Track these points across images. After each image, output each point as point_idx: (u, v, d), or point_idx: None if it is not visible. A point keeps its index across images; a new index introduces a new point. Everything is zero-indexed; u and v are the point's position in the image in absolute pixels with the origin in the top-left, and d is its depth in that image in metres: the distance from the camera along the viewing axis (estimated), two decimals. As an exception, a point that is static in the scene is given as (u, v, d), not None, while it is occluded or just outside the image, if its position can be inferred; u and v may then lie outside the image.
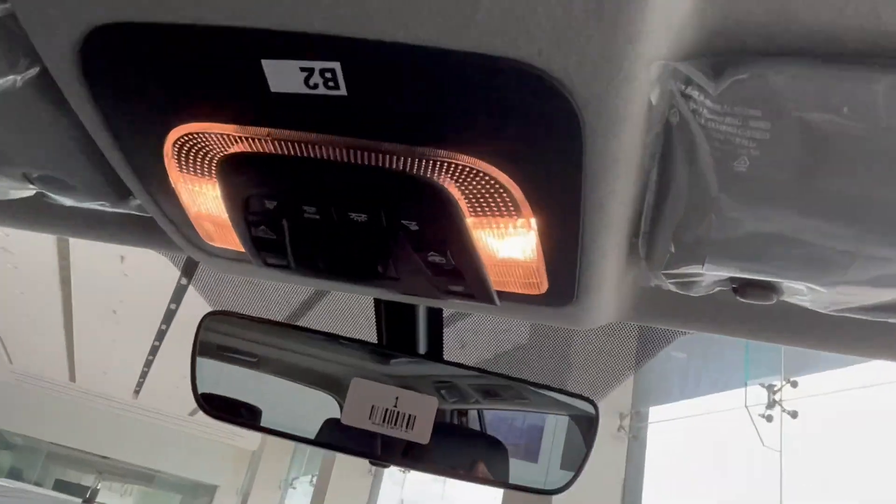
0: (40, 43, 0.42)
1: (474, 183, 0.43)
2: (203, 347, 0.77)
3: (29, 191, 0.62)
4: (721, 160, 0.39)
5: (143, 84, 0.43)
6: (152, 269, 5.55)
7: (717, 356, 4.45)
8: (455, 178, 0.43)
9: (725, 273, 0.48)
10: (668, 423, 4.77)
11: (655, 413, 4.86)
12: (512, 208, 0.45)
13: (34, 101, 0.50)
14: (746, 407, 4.01)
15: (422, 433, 0.68)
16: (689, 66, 0.36)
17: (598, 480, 4.62)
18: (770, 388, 4.05)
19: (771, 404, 4.02)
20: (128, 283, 6.50)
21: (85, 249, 6.00)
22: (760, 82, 0.35)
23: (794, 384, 3.94)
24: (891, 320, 0.48)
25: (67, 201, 0.61)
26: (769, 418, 3.99)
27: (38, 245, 5.96)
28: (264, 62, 0.38)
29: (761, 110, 0.36)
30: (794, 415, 3.87)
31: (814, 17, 0.34)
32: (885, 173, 0.36)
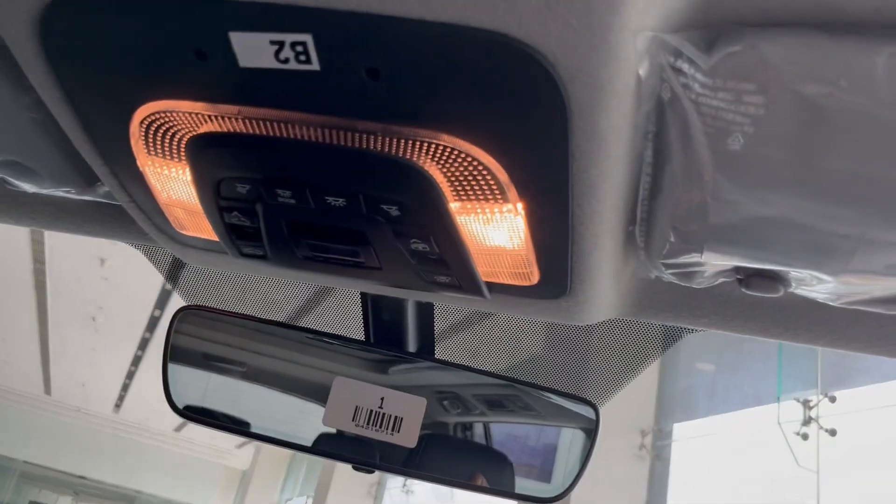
0: None
1: (456, 165, 0.44)
2: (176, 350, 0.79)
3: (-11, 177, 0.63)
4: (714, 138, 0.40)
5: (106, 59, 0.44)
6: (134, 273, 5.59)
7: (747, 368, 4.44)
8: (436, 159, 0.44)
9: (727, 262, 0.49)
10: (693, 441, 4.75)
11: (680, 430, 4.84)
12: (497, 192, 0.46)
13: None
14: (779, 424, 4.00)
15: (408, 436, 0.69)
16: (678, 37, 0.37)
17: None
18: (805, 404, 4.04)
19: (807, 421, 4.01)
20: (108, 288, 6.54)
21: (62, 252, 6.05)
22: (754, 54, 0.36)
23: (833, 399, 3.93)
24: (906, 314, 0.49)
25: (30, 188, 0.63)
26: (805, 436, 3.98)
27: (10, 246, 6.01)
28: (232, 35, 0.39)
29: (755, 84, 0.37)
30: (832, 433, 3.86)
31: None
32: (886, 150, 0.37)
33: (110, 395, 9.64)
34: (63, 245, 5.86)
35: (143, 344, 7.44)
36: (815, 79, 0.36)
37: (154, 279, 5.42)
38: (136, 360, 7.93)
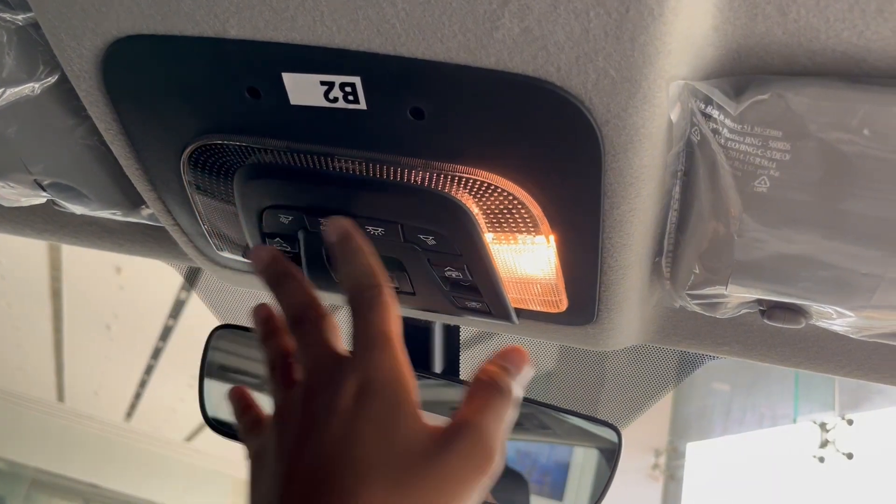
0: (62, 52, 0.46)
1: (492, 198, 0.47)
2: (211, 366, 0.81)
3: (40, 198, 0.66)
4: (742, 180, 0.42)
5: (163, 95, 0.47)
6: (150, 281, 5.63)
7: (763, 389, 4.42)
8: (473, 193, 0.46)
9: (751, 295, 0.51)
10: (707, 461, 4.72)
11: (694, 450, 4.81)
12: (531, 224, 0.48)
13: (51, 109, 0.55)
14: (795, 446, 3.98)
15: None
16: (708, 85, 0.40)
17: (630, 524, 4.59)
18: (822, 426, 4.01)
19: (823, 444, 3.98)
20: (123, 296, 6.59)
21: (78, 260, 6.11)
22: (780, 103, 0.39)
23: (850, 422, 3.90)
24: (925, 347, 0.51)
25: (78, 210, 0.66)
26: (822, 459, 3.95)
27: (28, 254, 6.08)
28: (285, 75, 0.42)
29: (781, 131, 0.39)
30: (849, 456, 3.83)
31: (835, 38, 0.37)
32: None
33: (122, 403, 9.68)
34: (80, 253, 5.92)
35: (156, 353, 7.47)
36: (838, 128, 0.38)
37: (169, 288, 5.46)
38: (149, 369, 7.96)
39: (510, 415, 0.44)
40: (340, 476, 0.39)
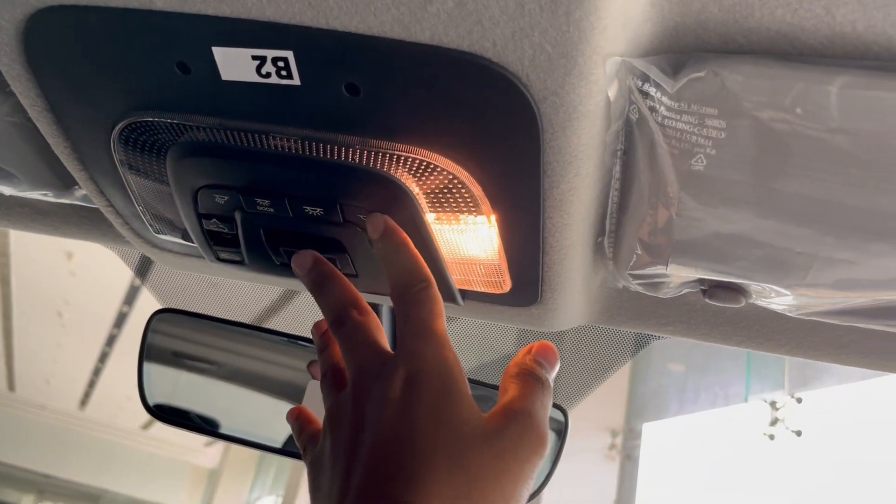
0: None
1: (432, 178, 0.46)
2: (152, 351, 0.79)
3: (-34, 179, 0.63)
4: (679, 159, 0.42)
5: (89, 70, 0.45)
6: (103, 267, 5.52)
7: (716, 369, 4.51)
8: (412, 172, 0.46)
9: (691, 274, 0.51)
10: (663, 440, 4.82)
11: (649, 429, 4.91)
12: (472, 204, 0.48)
13: None
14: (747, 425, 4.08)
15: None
16: (646, 62, 0.39)
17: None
18: (773, 405, 4.12)
19: (773, 422, 4.09)
20: (75, 282, 6.45)
21: (27, 245, 5.95)
22: (716, 80, 0.39)
23: (799, 400, 4.01)
24: (860, 325, 0.52)
25: (7, 191, 0.63)
26: (772, 437, 4.06)
27: (-26, 239, 5.91)
28: (215, 50, 0.41)
29: (717, 109, 0.39)
30: (798, 433, 3.94)
31: (769, 16, 0.37)
32: (838, 175, 0.40)
33: (76, 391, 9.51)
34: (29, 239, 5.77)
35: (111, 340, 7.34)
36: (772, 106, 0.38)
37: (122, 275, 5.36)
38: (103, 357, 7.83)
39: (550, 403, 0.46)
40: (399, 463, 0.39)
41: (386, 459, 0.39)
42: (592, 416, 4.74)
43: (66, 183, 0.61)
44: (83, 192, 0.62)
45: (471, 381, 0.48)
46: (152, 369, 0.79)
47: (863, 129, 0.38)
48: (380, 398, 0.41)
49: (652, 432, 4.89)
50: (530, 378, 0.45)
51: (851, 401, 3.62)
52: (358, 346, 0.46)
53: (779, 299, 0.51)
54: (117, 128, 0.48)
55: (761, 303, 0.54)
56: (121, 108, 0.47)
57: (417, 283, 0.46)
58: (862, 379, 3.42)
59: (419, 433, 0.40)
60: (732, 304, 0.54)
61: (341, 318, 0.47)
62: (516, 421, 0.42)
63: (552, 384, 0.46)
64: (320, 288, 0.49)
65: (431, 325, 0.44)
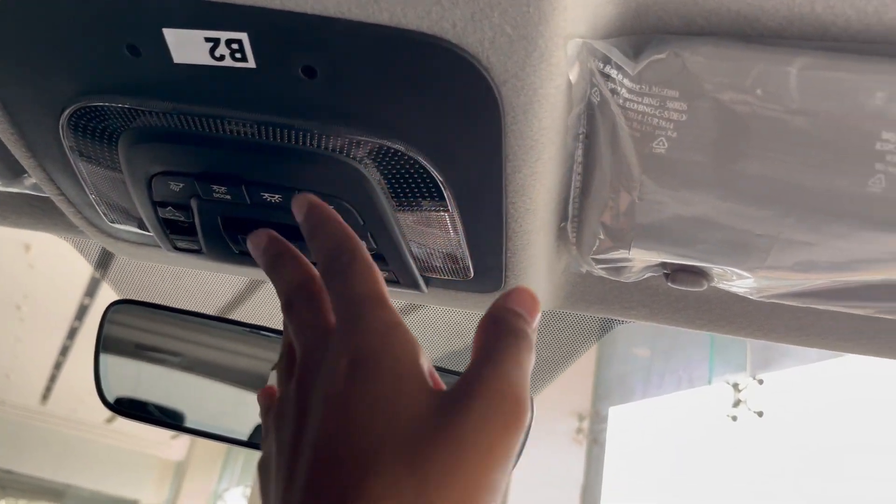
0: None
1: (393, 163, 0.45)
2: (108, 343, 0.77)
3: None
4: (641, 141, 0.42)
5: (34, 51, 0.43)
6: (62, 259, 5.41)
7: (681, 353, 4.58)
8: (373, 158, 0.45)
9: (654, 258, 0.51)
10: (629, 424, 4.88)
11: (615, 413, 4.97)
12: (434, 191, 0.47)
13: None
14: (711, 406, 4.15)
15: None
16: (607, 44, 0.39)
17: (555, 489, 4.72)
18: (735, 387, 4.19)
19: (736, 403, 4.16)
20: (34, 275, 6.31)
21: (-18, 237, 5.81)
22: (677, 62, 0.38)
23: (761, 382, 4.09)
24: (818, 307, 0.52)
25: (-47, 180, 0.61)
26: (734, 418, 4.14)
27: (-73, 231, 5.74)
28: (166, 31, 0.39)
29: (678, 91, 0.39)
30: (760, 414, 4.02)
31: None
32: (798, 156, 0.40)
33: (37, 386, 9.33)
34: (-16, 230, 5.63)
35: (72, 333, 7.21)
36: (732, 87, 0.38)
37: (83, 266, 5.26)
38: (65, 350, 7.69)
39: (531, 360, 0.36)
40: (341, 473, 0.33)
41: (327, 470, 0.33)
42: (559, 401, 4.78)
43: (14, 171, 0.59)
44: (33, 180, 0.60)
45: (438, 369, 0.45)
46: (110, 362, 0.77)
47: (822, 111, 0.38)
48: (322, 393, 0.36)
49: (618, 416, 4.95)
50: (503, 331, 0.37)
51: (810, 382, 3.71)
52: (304, 327, 0.40)
53: (740, 282, 0.51)
54: (66, 113, 0.46)
55: (723, 286, 0.54)
56: (69, 93, 0.45)
57: (344, 253, 0.40)
58: (820, 359, 3.50)
59: (363, 435, 0.33)
60: (694, 288, 0.54)
61: (290, 299, 0.42)
62: (485, 388, 0.34)
63: (533, 337, 0.38)
64: (273, 267, 0.45)
65: (367, 290, 0.38)
